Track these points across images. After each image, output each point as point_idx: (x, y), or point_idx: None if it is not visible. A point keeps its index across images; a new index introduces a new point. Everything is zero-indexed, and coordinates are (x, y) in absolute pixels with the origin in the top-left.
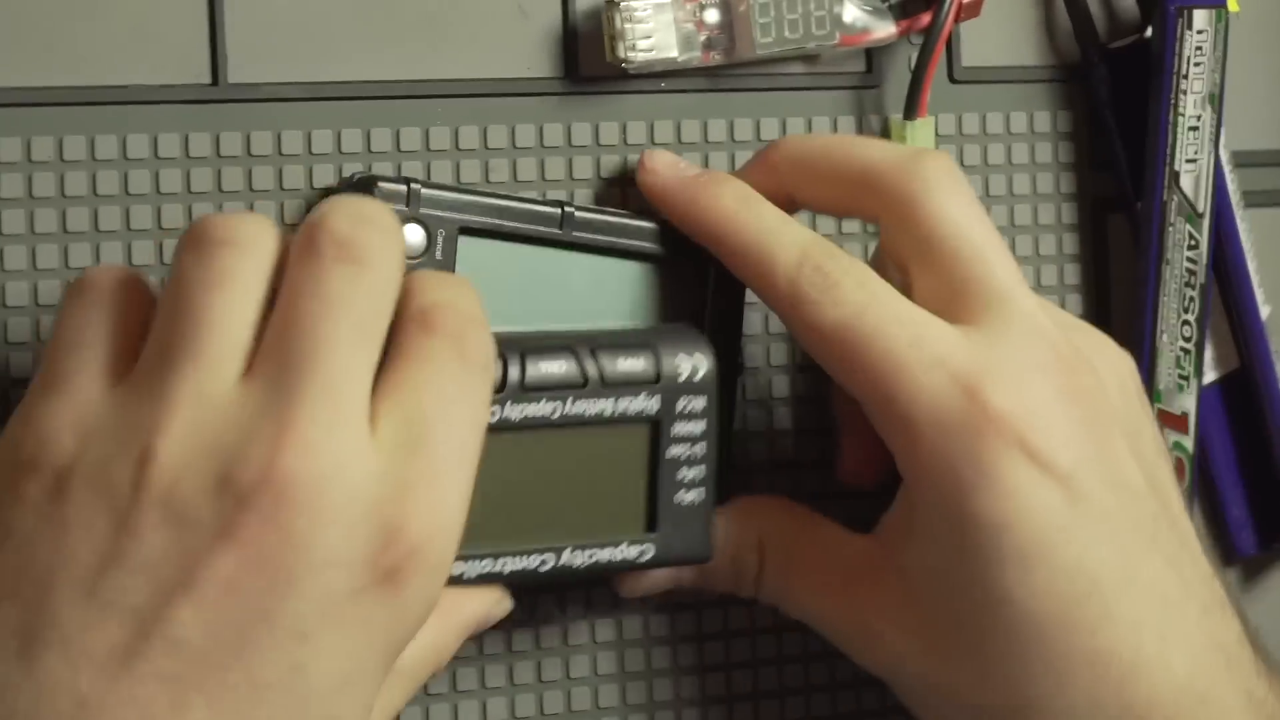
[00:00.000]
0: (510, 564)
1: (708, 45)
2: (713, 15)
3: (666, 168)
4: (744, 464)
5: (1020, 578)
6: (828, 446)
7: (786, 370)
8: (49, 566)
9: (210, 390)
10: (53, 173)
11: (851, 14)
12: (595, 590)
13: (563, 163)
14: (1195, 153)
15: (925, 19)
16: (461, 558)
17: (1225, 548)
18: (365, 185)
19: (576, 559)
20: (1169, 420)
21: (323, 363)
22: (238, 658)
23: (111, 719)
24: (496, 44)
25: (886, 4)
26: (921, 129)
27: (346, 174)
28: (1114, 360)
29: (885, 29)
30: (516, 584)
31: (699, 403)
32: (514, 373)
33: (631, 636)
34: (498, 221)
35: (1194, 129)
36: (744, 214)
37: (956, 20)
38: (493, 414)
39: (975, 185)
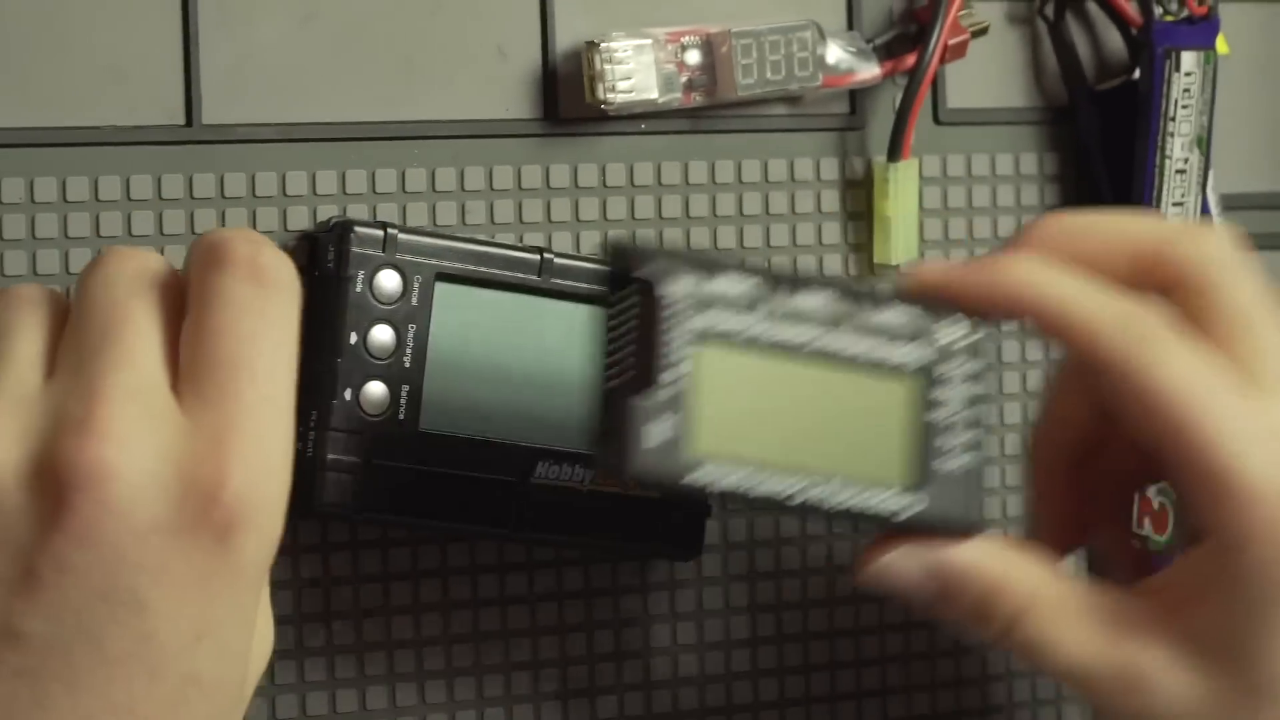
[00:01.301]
0: (763, 484)
1: (689, 86)
2: (694, 56)
3: (940, 265)
4: None
5: None
6: None
7: None
8: None
9: (21, 392)
10: (23, 215)
11: (835, 55)
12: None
13: (541, 205)
14: (1182, 196)
15: (910, 60)
16: (718, 460)
17: None
18: (342, 230)
19: (831, 497)
20: None
21: (116, 340)
22: (84, 639)
23: None
24: (475, 85)
25: (871, 45)
26: (905, 171)
27: (322, 218)
28: None
29: (869, 70)
30: (761, 506)
31: (975, 365)
32: (765, 300)
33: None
34: (475, 268)
35: (1181, 172)
36: (1049, 278)
37: (942, 62)
38: (741, 329)
39: (959, 229)
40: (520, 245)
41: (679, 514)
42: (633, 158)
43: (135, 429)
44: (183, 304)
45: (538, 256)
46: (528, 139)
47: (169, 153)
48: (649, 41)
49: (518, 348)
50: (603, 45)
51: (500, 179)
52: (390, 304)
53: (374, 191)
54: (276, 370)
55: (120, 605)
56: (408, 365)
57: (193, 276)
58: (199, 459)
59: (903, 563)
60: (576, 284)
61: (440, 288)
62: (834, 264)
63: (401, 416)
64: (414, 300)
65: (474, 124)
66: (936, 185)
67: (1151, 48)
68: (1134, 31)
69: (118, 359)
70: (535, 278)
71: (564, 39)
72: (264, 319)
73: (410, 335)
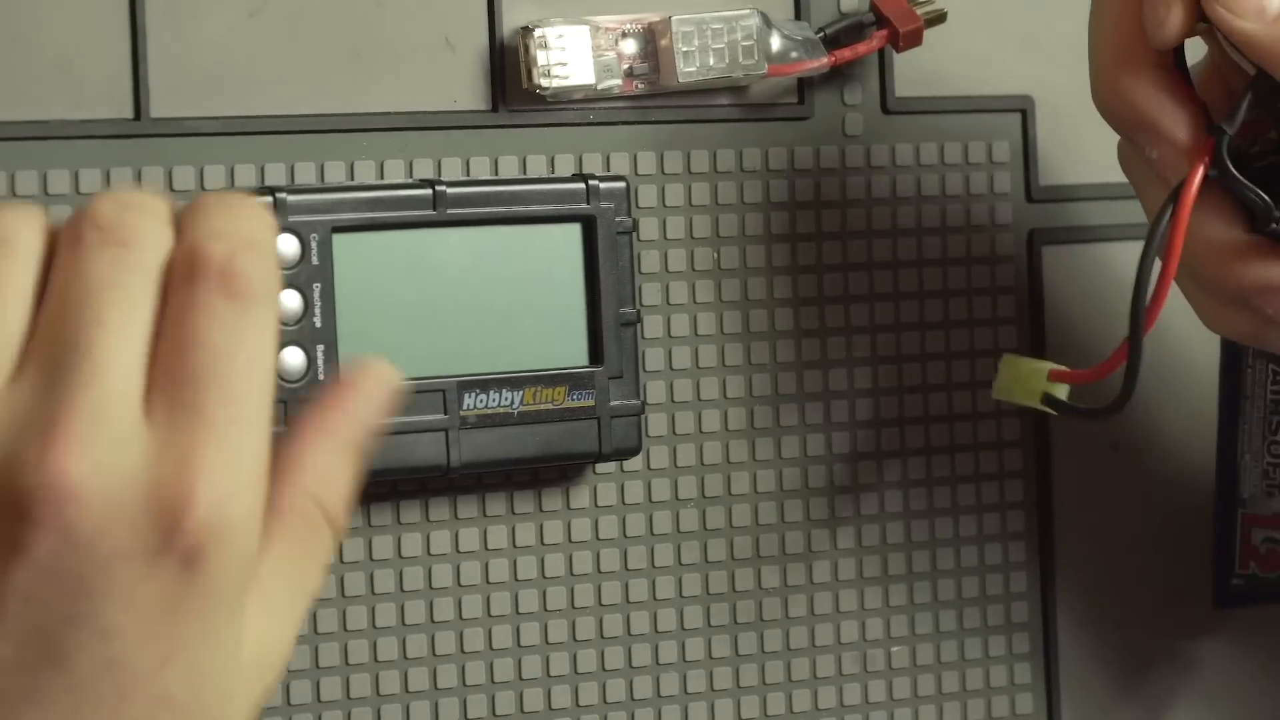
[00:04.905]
0: None
1: (630, 74)
2: (630, 46)
3: (1256, 14)
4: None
5: None
6: None
7: None
8: None
9: None
10: None
11: (782, 44)
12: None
13: None
14: None
15: (860, 49)
16: None
17: None
18: None
19: None
20: (1260, 521)
21: (89, 350)
22: (51, 664)
23: None
24: (422, 76)
25: (820, 35)
26: None
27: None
28: None
29: (817, 60)
30: None
31: None
32: None
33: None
34: (370, 215)
35: None
36: None
37: (898, 50)
38: None
39: (908, 216)
40: (412, 181)
41: (614, 419)
42: (581, 148)
43: (100, 454)
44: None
45: (430, 191)
46: (475, 130)
47: (117, 146)
48: (585, 28)
49: (426, 283)
50: (536, 31)
51: (449, 170)
52: (291, 268)
53: (323, 181)
54: (248, 387)
55: (85, 631)
56: (319, 325)
57: (170, 281)
58: (164, 483)
59: None
60: (475, 210)
61: (339, 241)
62: (782, 254)
63: (321, 377)
64: (314, 259)
65: (422, 115)
66: (885, 174)
67: None
68: None
69: (88, 375)
70: (431, 212)
71: (511, 30)
72: (235, 332)
73: (317, 294)
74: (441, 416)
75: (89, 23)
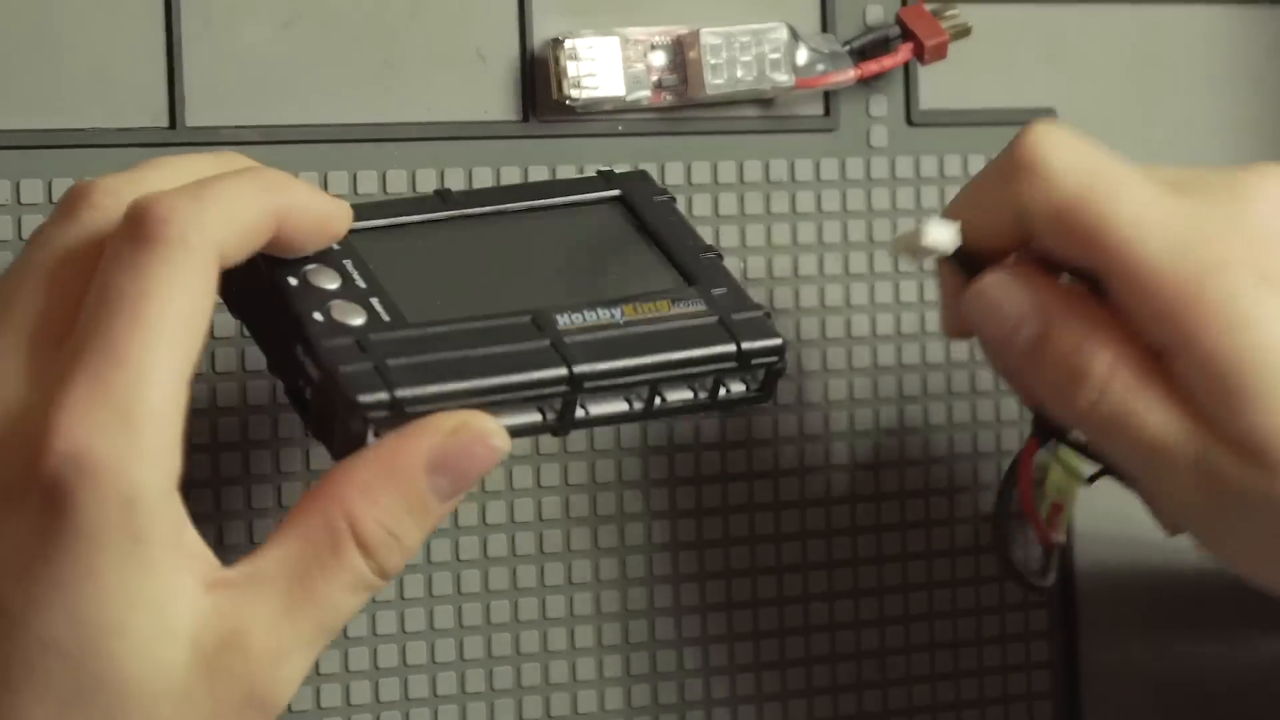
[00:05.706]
0: None
1: (658, 85)
2: (659, 58)
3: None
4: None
5: None
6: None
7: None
8: None
9: None
10: (10, 216)
11: (809, 57)
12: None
13: None
14: None
15: (886, 62)
16: None
17: None
18: None
19: None
20: None
21: (5, 294)
22: None
23: None
24: (454, 87)
25: (846, 48)
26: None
27: None
28: None
29: (844, 72)
30: None
31: None
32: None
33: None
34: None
35: None
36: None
37: (923, 62)
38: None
39: None
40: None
41: (735, 316)
42: (610, 159)
43: None
44: None
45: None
46: (506, 140)
47: (153, 154)
48: (615, 39)
49: (461, 261)
50: (567, 42)
51: (480, 180)
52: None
53: (355, 193)
54: (130, 325)
55: None
56: (364, 285)
57: None
58: (28, 417)
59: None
60: (485, 206)
61: (360, 241)
62: (809, 264)
63: (387, 318)
64: (334, 245)
65: (453, 125)
66: (909, 186)
67: None
68: None
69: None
70: (445, 211)
71: (542, 41)
72: (130, 273)
73: (350, 268)
74: (538, 341)
75: (125, 33)
